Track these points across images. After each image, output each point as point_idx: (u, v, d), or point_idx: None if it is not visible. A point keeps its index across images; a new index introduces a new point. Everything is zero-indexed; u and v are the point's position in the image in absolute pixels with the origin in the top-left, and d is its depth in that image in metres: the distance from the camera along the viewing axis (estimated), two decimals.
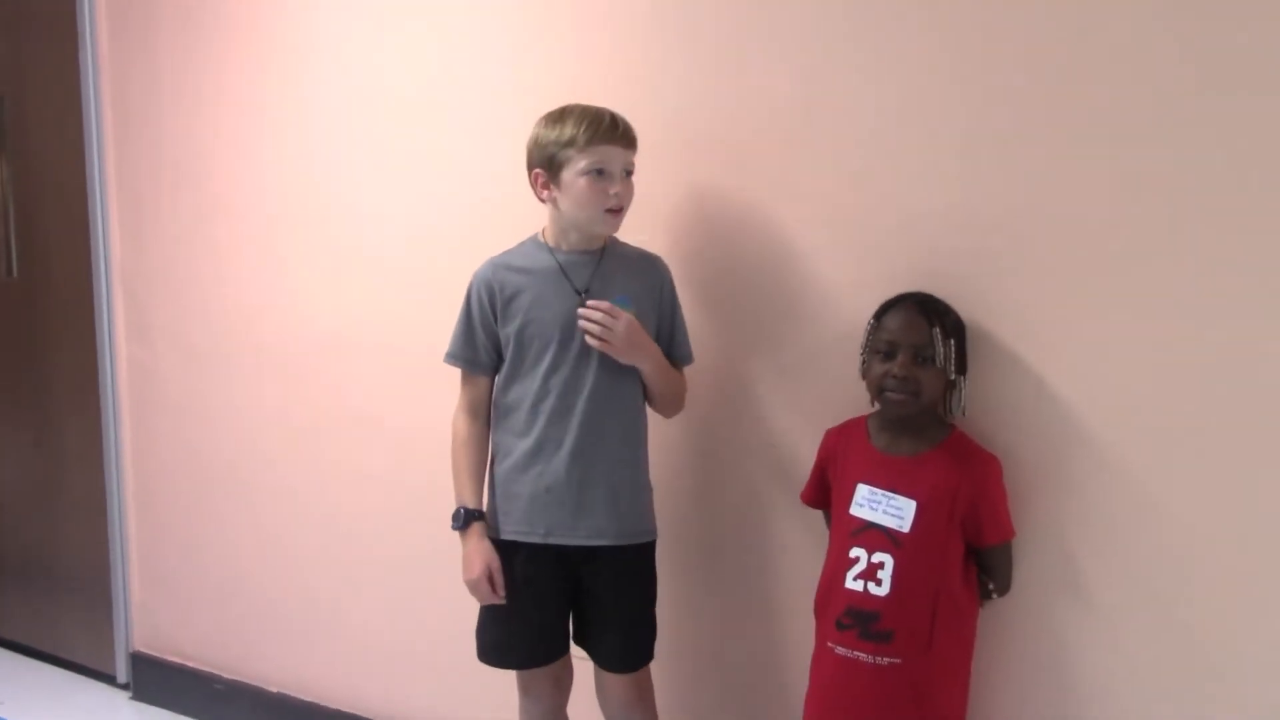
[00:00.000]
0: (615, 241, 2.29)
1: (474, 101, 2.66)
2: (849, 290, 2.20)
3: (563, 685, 2.39)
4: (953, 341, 2.00)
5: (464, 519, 2.26)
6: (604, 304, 2.17)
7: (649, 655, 2.32)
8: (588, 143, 2.15)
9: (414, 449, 2.84)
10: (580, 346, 2.20)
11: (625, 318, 2.17)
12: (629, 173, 2.20)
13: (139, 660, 3.51)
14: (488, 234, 2.45)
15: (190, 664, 3.40)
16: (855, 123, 2.18)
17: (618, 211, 2.20)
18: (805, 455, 2.22)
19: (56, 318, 3.57)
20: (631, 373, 2.23)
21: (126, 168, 3.34)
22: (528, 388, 2.24)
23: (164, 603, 3.46)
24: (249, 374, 3.16)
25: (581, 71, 2.49)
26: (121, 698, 3.53)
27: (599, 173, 2.16)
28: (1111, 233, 1.95)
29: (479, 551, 2.24)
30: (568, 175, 2.17)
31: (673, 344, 2.30)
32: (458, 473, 2.31)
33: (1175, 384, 1.92)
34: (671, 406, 2.32)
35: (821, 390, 2.25)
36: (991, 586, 2.06)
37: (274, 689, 3.21)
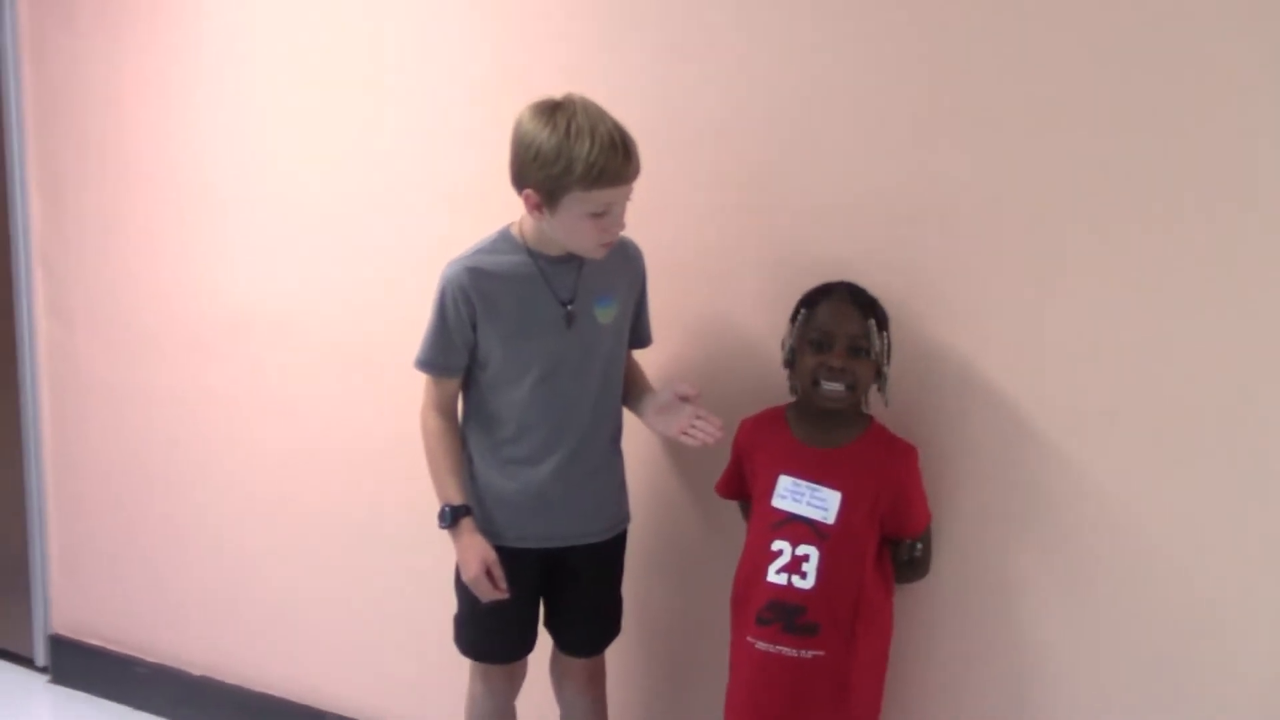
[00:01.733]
0: None
1: (407, 74, 2.63)
2: (772, 280, 2.20)
3: (517, 678, 2.38)
4: (884, 333, 2.01)
5: (451, 516, 2.15)
6: (717, 422, 2.11)
7: (612, 636, 2.34)
8: (595, 183, 1.95)
9: (333, 433, 2.84)
10: (567, 356, 2.13)
11: (716, 422, 2.12)
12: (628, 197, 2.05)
13: (58, 643, 3.46)
14: (424, 211, 2.44)
15: (111, 647, 3.36)
16: (785, 109, 2.19)
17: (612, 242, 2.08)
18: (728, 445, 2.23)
19: None
20: (616, 378, 2.21)
21: (46, 142, 3.26)
22: (513, 396, 2.16)
23: (84, 585, 3.40)
24: (170, 354, 3.11)
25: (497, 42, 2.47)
26: (40, 681, 3.47)
27: (605, 214, 2.01)
28: (1039, 220, 1.99)
29: (473, 547, 2.14)
30: (566, 210, 1.99)
31: (637, 325, 2.26)
32: (438, 472, 2.19)
33: (1100, 369, 1.97)
34: None
35: (748, 381, 2.26)
36: (910, 573, 2.09)
37: (197, 672, 3.19)
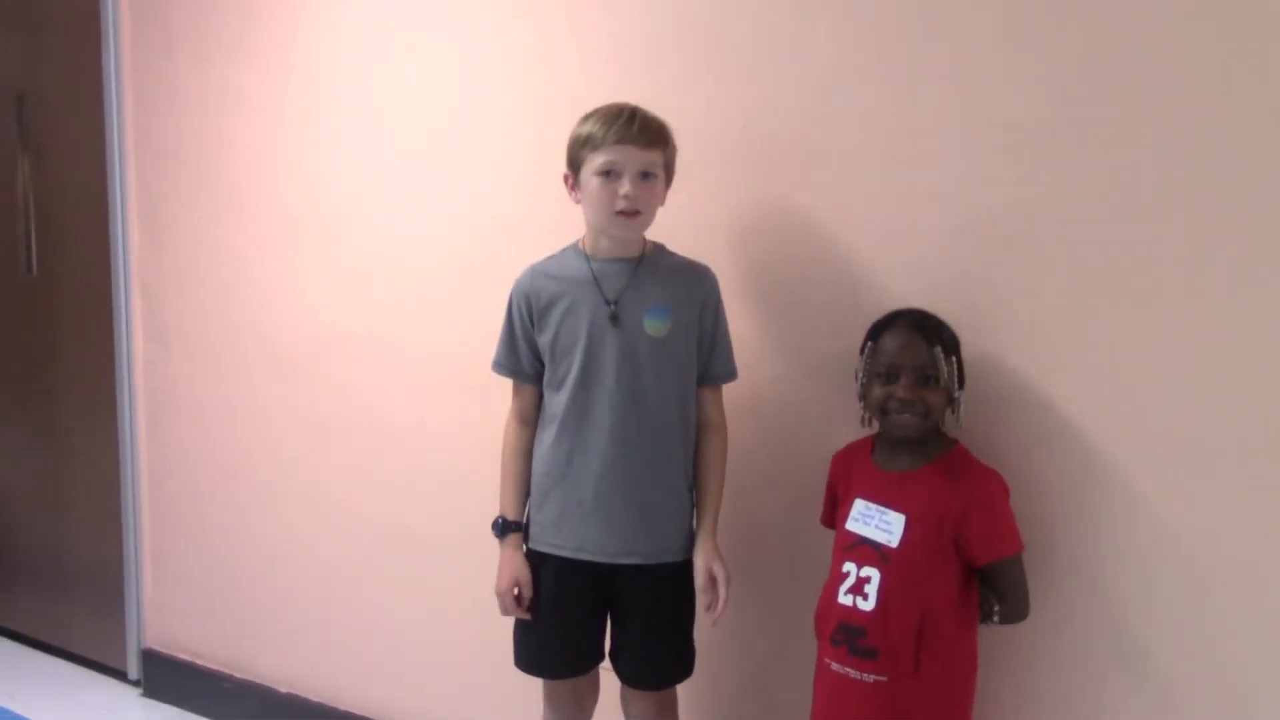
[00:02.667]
0: (662, 250, 2.24)
1: (496, 108, 2.67)
2: (859, 306, 2.17)
3: (584, 703, 2.36)
4: (954, 358, 1.98)
5: (502, 528, 2.25)
6: (717, 613, 2.18)
7: (678, 676, 2.28)
8: (602, 142, 2.10)
9: (427, 454, 2.86)
10: (606, 358, 2.15)
11: (724, 597, 2.17)
12: (648, 174, 2.11)
13: (150, 657, 3.53)
14: (509, 239, 2.48)
15: (201, 662, 3.41)
16: (869, 138, 2.18)
17: (630, 215, 2.11)
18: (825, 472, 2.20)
19: (74, 316, 3.59)
20: (673, 400, 2.19)
21: (146, 167, 3.36)
22: (561, 398, 2.20)
23: (176, 601, 3.47)
24: (263, 375, 3.17)
25: (606, 81, 2.47)
26: (132, 694, 3.54)
27: (610, 173, 2.10)
28: (1119, 246, 1.95)
29: (510, 564, 2.23)
30: (584, 175, 2.13)
31: (711, 360, 2.23)
32: (503, 480, 2.28)
33: (1186, 398, 1.91)
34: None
35: (837, 407, 2.24)
36: (996, 610, 2.01)
37: (284, 689, 3.23)
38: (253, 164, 3.12)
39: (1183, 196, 1.89)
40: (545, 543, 2.24)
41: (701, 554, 2.20)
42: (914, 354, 1.96)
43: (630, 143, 2.10)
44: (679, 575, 2.23)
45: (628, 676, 2.29)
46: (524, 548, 2.26)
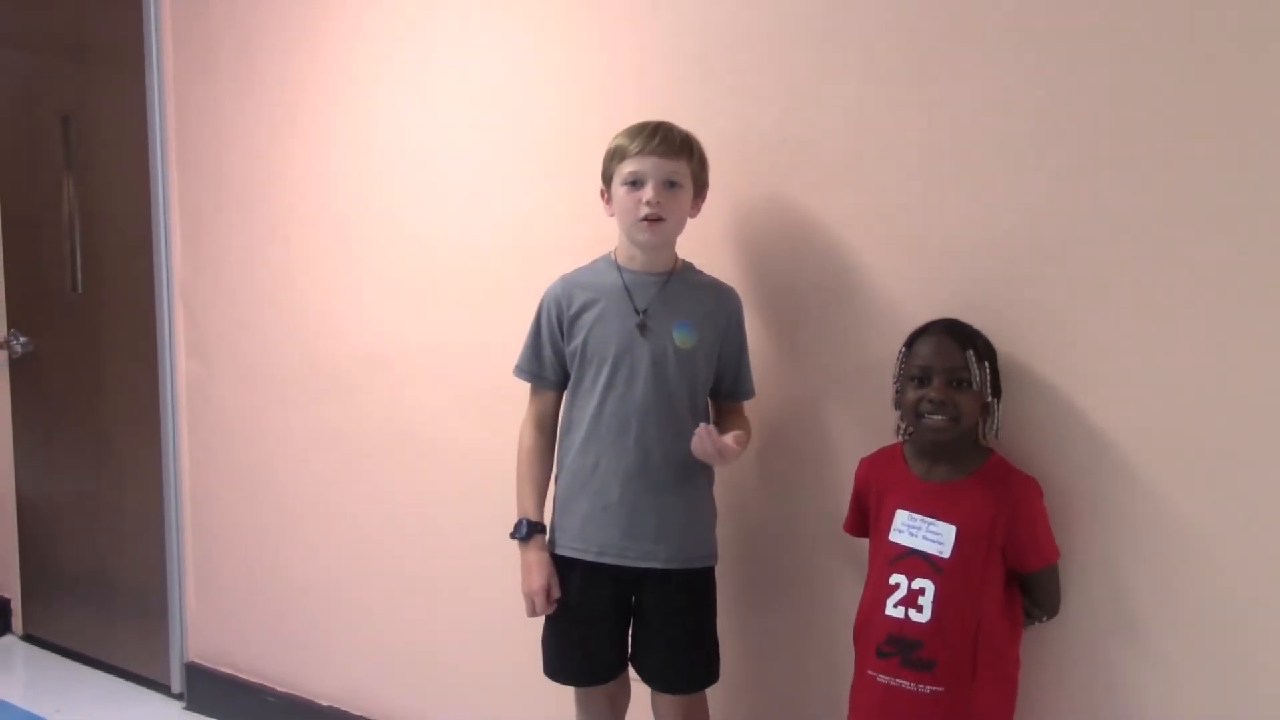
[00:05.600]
0: (689, 268, 2.29)
1: (530, 125, 2.70)
2: (889, 318, 2.19)
3: (618, 705, 2.40)
4: (987, 364, 2.00)
5: (526, 530, 2.28)
6: (718, 439, 2.12)
7: (701, 681, 2.31)
8: (628, 153, 2.18)
9: (467, 470, 2.87)
10: (635, 366, 2.20)
11: (719, 439, 2.12)
12: (673, 184, 2.18)
13: (193, 671, 3.57)
14: (546, 255, 2.49)
15: (243, 676, 3.45)
16: (906, 152, 2.19)
17: (654, 221, 2.17)
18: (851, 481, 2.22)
19: (118, 333, 3.65)
20: (695, 409, 2.23)
21: (188, 187, 3.42)
22: (587, 404, 2.24)
23: (219, 615, 3.52)
24: (304, 393, 3.21)
25: (640, 94, 2.51)
26: (175, 707, 3.58)
27: (636, 182, 2.17)
28: (1151, 257, 1.95)
29: (539, 563, 2.26)
30: (614, 187, 2.22)
31: (737, 380, 2.30)
32: (521, 483, 2.33)
33: (1218, 408, 1.91)
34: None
35: (867, 417, 2.25)
36: (1039, 612, 2.05)
37: (325, 703, 3.25)
38: (293, 184, 3.17)
39: (1211, 203, 1.89)
40: (569, 547, 2.27)
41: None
42: (946, 356, 1.99)
43: (654, 153, 2.17)
44: (702, 580, 2.29)
45: (650, 679, 2.32)
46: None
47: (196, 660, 3.57)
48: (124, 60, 3.45)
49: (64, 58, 3.68)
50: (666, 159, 2.18)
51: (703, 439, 2.12)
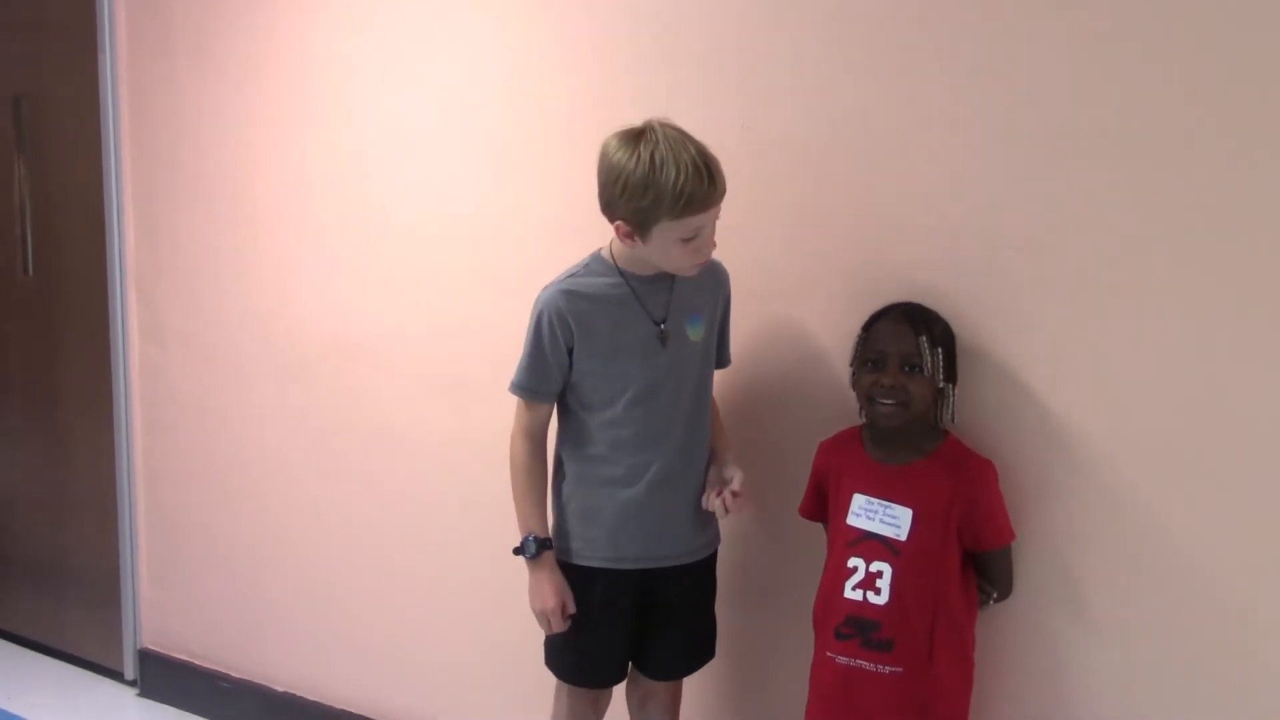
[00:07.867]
0: None
1: (495, 109, 2.68)
2: (846, 301, 2.21)
3: (602, 705, 2.37)
4: (940, 350, 2.01)
5: (536, 548, 2.19)
6: (739, 503, 2.16)
7: (704, 660, 2.34)
8: (683, 212, 1.97)
9: (427, 454, 2.87)
10: (659, 376, 2.15)
11: (741, 499, 2.15)
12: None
13: (147, 657, 3.54)
14: (505, 240, 2.47)
15: (198, 662, 3.43)
16: (866, 137, 2.20)
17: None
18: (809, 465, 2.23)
19: (71, 316, 3.60)
20: (707, 398, 2.24)
21: (142, 168, 3.37)
22: (607, 416, 2.17)
23: (172, 601, 3.49)
24: (260, 377, 3.19)
25: (603, 80, 2.51)
26: (129, 694, 3.55)
27: (694, 237, 2.03)
28: (1106, 247, 1.97)
29: (553, 582, 2.19)
30: (657, 239, 2.03)
31: (720, 348, 2.28)
32: (521, 500, 2.22)
33: (1172, 391, 1.94)
34: None
35: (825, 403, 2.27)
36: (993, 593, 2.08)
37: (281, 688, 3.24)
38: (249, 166, 3.13)
39: (1180, 198, 1.91)
40: (599, 558, 2.22)
41: (720, 464, 2.23)
42: (900, 342, 2.01)
43: (713, 205, 2.02)
44: (713, 562, 2.32)
45: (656, 671, 2.32)
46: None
47: (150, 646, 3.54)
48: (78, 39, 3.40)
49: (15, 36, 3.62)
50: (719, 205, 2.04)
51: (717, 507, 2.16)
